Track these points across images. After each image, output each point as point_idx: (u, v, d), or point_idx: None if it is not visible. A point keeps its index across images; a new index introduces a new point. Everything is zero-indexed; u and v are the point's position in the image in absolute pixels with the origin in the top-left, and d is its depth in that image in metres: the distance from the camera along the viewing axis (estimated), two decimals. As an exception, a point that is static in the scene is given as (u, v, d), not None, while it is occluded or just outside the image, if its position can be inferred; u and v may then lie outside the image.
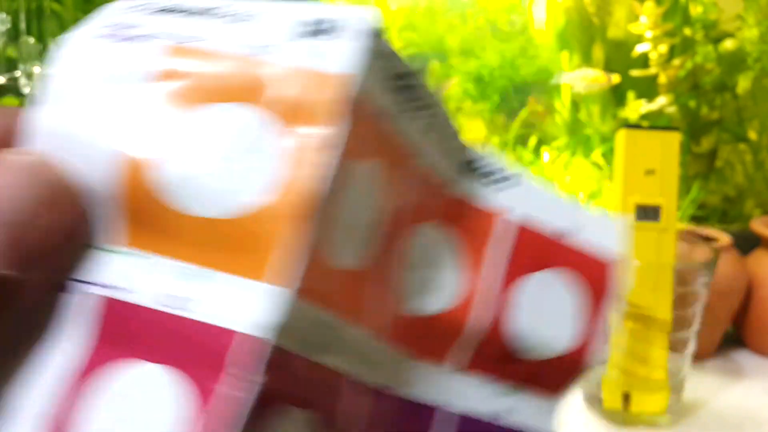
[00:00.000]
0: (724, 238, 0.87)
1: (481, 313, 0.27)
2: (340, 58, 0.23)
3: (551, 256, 0.30)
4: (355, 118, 0.22)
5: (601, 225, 0.31)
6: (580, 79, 1.05)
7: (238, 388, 0.19)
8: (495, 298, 0.28)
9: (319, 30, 0.23)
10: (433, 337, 0.28)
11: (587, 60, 1.13)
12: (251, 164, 0.22)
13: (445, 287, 0.28)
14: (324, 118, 0.22)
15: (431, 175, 0.28)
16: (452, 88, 1.11)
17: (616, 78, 1.03)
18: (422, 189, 0.28)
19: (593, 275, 0.30)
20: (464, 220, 0.29)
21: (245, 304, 0.20)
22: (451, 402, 0.28)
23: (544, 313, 0.28)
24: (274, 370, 0.20)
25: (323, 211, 0.22)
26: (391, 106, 0.25)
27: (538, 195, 0.30)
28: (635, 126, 0.74)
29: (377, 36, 0.22)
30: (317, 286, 0.22)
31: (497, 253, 0.28)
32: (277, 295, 0.20)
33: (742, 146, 1.07)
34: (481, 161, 0.31)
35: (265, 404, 0.20)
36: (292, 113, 0.22)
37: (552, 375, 0.29)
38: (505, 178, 0.30)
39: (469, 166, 0.29)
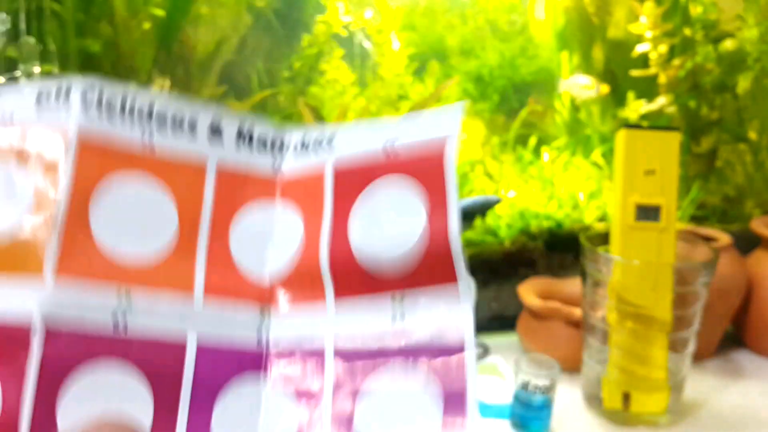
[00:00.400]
0: (724, 238, 0.87)
1: (328, 250, 0.33)
2: (66, 112, 0.34)
3: (371, 174, 0.33)
4: (88, 148, 0.33)
5: (423, 121, 0.34)
6: (573, 86, 1.05)
7: None
8: (334, 232, 0.34)
9: (49, 96, 0.34)
10: (306, 283, 0.33)
11: (587, 60, 1.13)
12: (10, 197, 0.33)
13: (288, 246, 0.34)
14: (53, 155, 0.33)
15: (234, 167, 0.36)
16: (452, 88, 1.11)
17: (604, 88, 1.03)
18: (229, 181, 0.35)
19: (423, 169, 0.33)
20: (286, 189, 0.35)
21: None
22: (341, 331, 0.31)
23: (382, 222, 0.33)
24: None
25: (83, 217, 0.32)
26: (136, 132, 0.35)
27: (349, 136, 0.35)
28: (635, 126, 0.73)
29: (92, 89, 0.34)
30: (91, 272, 0.31)
31: (322, 200, 0.34)
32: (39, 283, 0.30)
33: (742, 146, 1.07)
34: (285, 135, 0.38)
35: None
36: (36, 159, 0.33)
37: (427, 268, 0.32)
38: (318, 142, 0.35)
39: (268, 141, 0.37)
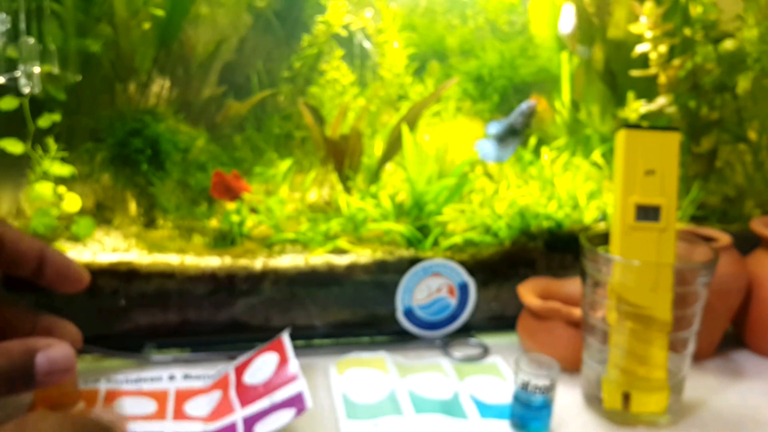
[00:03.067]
0: (724, 238, 0.87)
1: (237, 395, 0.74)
2: None
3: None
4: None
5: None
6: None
7: None
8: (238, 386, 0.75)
9: None
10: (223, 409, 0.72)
11: (587, 60, 1.13)
12: None
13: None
14: None
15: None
16: (452, 88, 1.11)
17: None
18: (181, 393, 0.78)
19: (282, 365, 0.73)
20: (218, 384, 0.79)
21: None
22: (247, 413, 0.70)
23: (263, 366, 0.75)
24: None
25: None
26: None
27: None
28: (635, 126, 0.73)
29: None
30: None
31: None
32: None
33: (741, 146, 1.07)
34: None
35: None
36: None
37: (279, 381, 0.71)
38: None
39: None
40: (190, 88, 1.06)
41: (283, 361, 0.73)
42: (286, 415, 0.66)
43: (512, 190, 1.01)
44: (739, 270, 0.87)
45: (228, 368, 0.79)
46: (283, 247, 0.91)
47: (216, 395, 0.75)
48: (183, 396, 0.75)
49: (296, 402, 0.67)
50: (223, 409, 0.71)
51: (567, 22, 0.99)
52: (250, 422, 0.67)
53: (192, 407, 0.74)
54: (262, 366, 0.74)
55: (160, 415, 0.72)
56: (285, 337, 0.77)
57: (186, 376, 0.79)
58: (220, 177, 0.88)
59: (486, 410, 0.75)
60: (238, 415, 0.69)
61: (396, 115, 1.06)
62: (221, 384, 0.76)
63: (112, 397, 0.74)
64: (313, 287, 0.87)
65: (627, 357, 0.73)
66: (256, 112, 1.10)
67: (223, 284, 0.85)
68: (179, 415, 0.72)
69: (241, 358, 0.79)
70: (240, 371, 0.76)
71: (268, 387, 0.71)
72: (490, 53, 1.18)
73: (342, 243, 0.90)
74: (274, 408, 0.67)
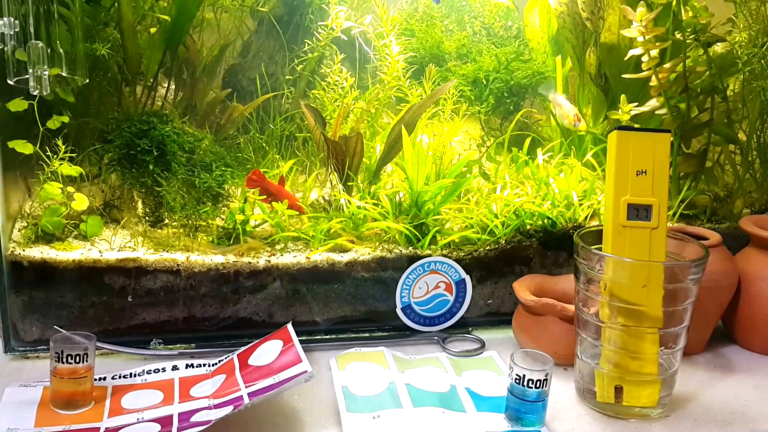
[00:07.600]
0: (714, 237, 0.89)
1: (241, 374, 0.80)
2: None
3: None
4: None
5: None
6: (557, 104, 1.10)
7: None
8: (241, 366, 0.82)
9: None
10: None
11: (581, 64, 1.14)
12: None
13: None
14: None
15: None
16: (450, 91, 1.13)
17: (583, 126, 1.08)
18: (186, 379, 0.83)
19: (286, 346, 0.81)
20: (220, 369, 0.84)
21: None
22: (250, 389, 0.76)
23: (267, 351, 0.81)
24: None
25: None
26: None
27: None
28: (627, 127, 0.75)
29: None
30: None
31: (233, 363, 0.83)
32: None
33: (731, 147, 1.08)
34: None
35: None
36: None
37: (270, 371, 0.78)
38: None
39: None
40: (196, 90, 1.08)
41: (288, 346, 0.79)
42: (289, 384, 0.72)
43: (508, 189, 1.02)
44: (728, 267, 0.89)
45: (231, 355, 0.84)
46: (285, 245, 0.92)
47: (220, 378, 0.79)
48: (188, 383, 0.80)
49: (299, 378, 0.73)
50: (228, 387, 0.77)
51: None
52: (254, 395, 0.72)
53: (197, 390, 0.79)
54: (266, 351, 0.80)
55: (167, 402, 0.76)
56: (289, 327, 0.83)
57: (189, 366, 0.84)
58: (259, 175, 0.95)
59: (482, 403, 0.77)
60: (244, 391, 0.74)
61: (395, 118, 1.08)
62: (225, 369, 0.81)
63: (119, 392, 0.78)
64: (314, 284, 0.89)
65: (619, 352, 0.75)
66: (259, 114, 1.11)
67: (227, 281, 0.87)
68: (185, 397, 0.77)
69: (245, 346, 0.84)
70: (244, 356, 0.81)
71: (273, 368, 0.77)
72: (486, 57, 1.20)
73: (343, 241, 0.92)
74: (278, 384, 0.72)
